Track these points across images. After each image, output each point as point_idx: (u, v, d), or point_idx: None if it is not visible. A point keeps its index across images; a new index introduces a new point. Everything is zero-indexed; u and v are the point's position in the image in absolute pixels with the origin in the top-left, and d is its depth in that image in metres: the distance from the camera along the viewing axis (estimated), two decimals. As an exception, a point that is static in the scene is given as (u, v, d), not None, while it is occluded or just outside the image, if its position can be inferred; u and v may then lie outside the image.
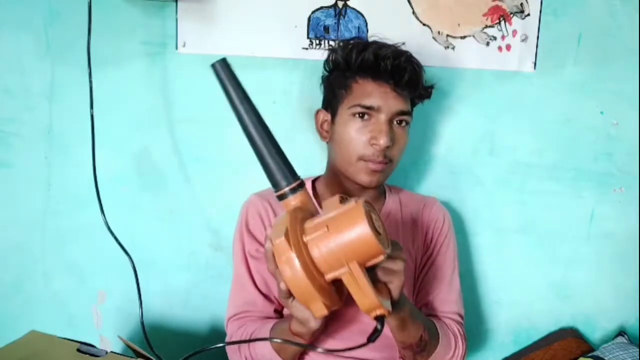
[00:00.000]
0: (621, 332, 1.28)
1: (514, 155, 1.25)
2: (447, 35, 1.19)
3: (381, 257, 0.65)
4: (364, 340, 0.67)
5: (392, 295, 0.73)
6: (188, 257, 1.25)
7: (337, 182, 1.02)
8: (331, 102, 1.01)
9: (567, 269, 1.30)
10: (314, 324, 0.79)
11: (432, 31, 1.19)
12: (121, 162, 1.20)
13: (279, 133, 1.20)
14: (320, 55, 1.15)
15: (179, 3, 1.14)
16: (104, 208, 1.05)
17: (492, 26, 1.19)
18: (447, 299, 1.05)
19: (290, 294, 0.73)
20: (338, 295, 0.69)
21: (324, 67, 1.04)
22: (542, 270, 1.30)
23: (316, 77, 1.08)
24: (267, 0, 1.16)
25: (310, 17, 1.17)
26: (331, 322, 0.96)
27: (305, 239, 0.63)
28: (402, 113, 0.96)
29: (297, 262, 0.61)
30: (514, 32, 1.20)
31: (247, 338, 0.93)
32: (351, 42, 1.00)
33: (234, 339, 0.96)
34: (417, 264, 1.05)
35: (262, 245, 1.01)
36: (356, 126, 0.95)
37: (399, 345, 0.90)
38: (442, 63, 1.20)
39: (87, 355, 0.79)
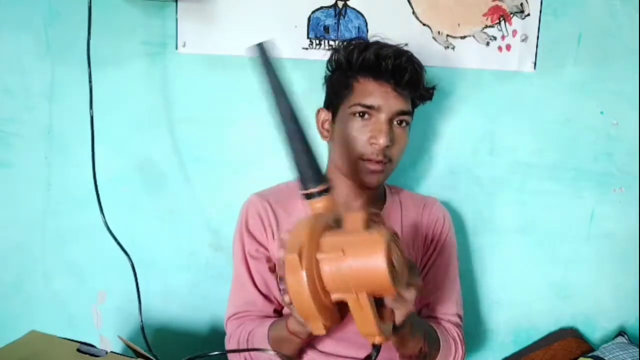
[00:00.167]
0: (621, 332, 1.28)
1: (514, 155, 1.25)
2: (447, 35, 1.19)
3: (391, 296, 0.62)
4: (361, 340, 0.67)
5: (395, 321, 0.70)
6: (188, 257, 1.25)
7: (337, 181, 1.02)
8: (332, 102, 1.01)
9: (567, 269, 1.30)
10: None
11: (432, 31, 1.19)
12: (121, 162, 1.20)
13: (278, 134, 1.22)
14: (320, 55, 1.15)
15: (179, 3, 1.14)
16: (104, 208, 1.05)
17: (492, 26, 1.19)
18: (447, 301, 1.05)
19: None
20: (340, 313, 0.67)
21: (327, 67, 1.04)
22: (542, 270, 1.30)
23: (316, 77, 1.08)
24: (267, 0, 1.16)
25: (310, 17, 1.17)
26: None
27: (319, 256, 0.60)
28: (403, 113, 0.96)
29: (304, 282, 0.59)
30: (514, 32, 1.20)
31: (246, 336, 0.93)
32: (353, 42, 1.01)
33: (232, 338, 0.96)
34: (417, 264, 1.06)
35: (262, 245, 1.01)
36: (356, 125, 0.95)
37: (398, 353, 0.90)
38: (442, 63, 1.20)
39: (87, 355, 0.79)
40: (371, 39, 1.03)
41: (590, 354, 1.19)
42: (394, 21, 1.17)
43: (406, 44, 1.02)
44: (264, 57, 0.63)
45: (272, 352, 0.83)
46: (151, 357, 0.82)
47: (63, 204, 1.21)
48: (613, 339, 1.26)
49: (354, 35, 1.17)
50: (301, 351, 0.96)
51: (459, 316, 1.06)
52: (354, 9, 1.17)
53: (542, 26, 1.20)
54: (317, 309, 0.59)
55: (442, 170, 1.25)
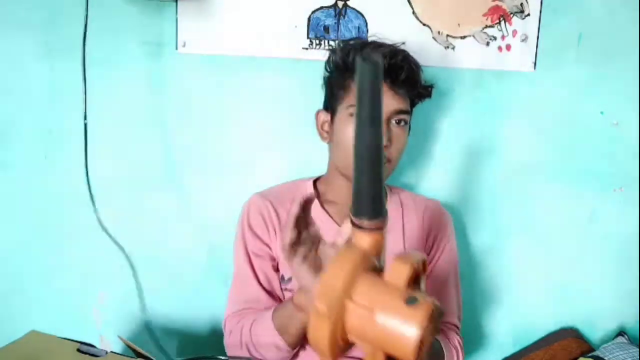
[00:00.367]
0: (621, 332, 1.28)
1: (514, 155, 1.25)
2: (447, 35, 1.19)
3: None
4: None
5: None
6: (188, 257, 1.25)
7: (338, 182, 1.02)
8: (331, 103, 1.01)
9: (567, 269, 1.30)
10: None
11: (432, 31, 1.19)
12: (121, 162, 1.20)
13: (278, 133, 1.22)
14: (320, 55, 1.15)
15: (179, 3, 1.14)
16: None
17: (492, 26, 1.19)
18: (448, 306, 1.05)
19: (294, 252, 0.75)
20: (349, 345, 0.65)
21: (325, 68, 1.04)
22: (542, 270, 1.30)
23: (316, 77, 1.08)
24: (267, 0, 1.16)
25: (310, 17, 1.17)
26: None
27: (350, 305, 0.55)
28: (400, 112, 0.96)
29: (328, 332, 0.56)
30: (514, 32, 1.20)
31: (249, 326, 0.93)
32: (350, 42, 1.01)
33: (233, 334, 0.96)
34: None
35: (264, 244, 1.01)
36: (354, 126, 0.95)
37: None
38: (442, 63, 1.20)
39: (87, 355, 0.79)
40: (370, 39, 1.03)
41: (590, 354, 1.19)
42: (394, 21, 1.17)
43: (403, 43, 1.02)
44: (374, 77, 0.51)
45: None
46: (151, 357, 0.82)
47: (63, 204, 1.21)
48: (613, 339, 1.26)
49: (354, 35, 1.17)
50: (299, 349, 0.96)
51: (459, 319, 1.07)
52: (354, 9, 1.17)
53: (542, 26, 1.20)
54: (331, 351, 0.57)
55: (442, 170, 1.25)
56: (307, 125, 1.08)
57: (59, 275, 1.24)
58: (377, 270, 0.60)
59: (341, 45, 1.02)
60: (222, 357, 0.82)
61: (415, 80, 0.98)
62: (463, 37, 1.20)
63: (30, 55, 1.16)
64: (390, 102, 0.95)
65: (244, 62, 1.18)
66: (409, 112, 0.99)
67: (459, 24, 1.19)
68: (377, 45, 0.98)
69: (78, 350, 0.80)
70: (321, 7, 1.17)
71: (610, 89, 1.23)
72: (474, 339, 1.31)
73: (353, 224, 0.58)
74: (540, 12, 1.19)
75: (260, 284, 1.00)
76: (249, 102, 1.20)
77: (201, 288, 1.26)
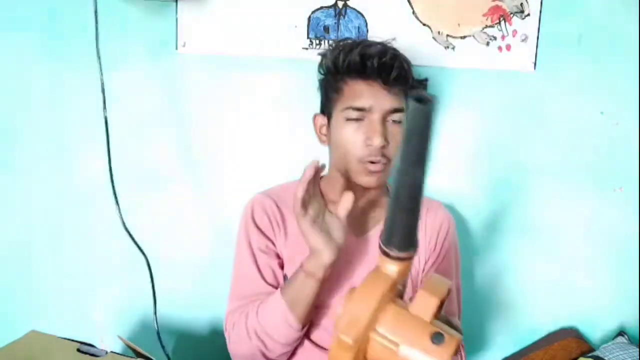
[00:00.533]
0: (621, 332, 1.28)
1: (514, 155, 1.25)
2: (447, 35, 1.19)
3: None
4: None
5: None
6: (191, 256, 1.25)
7: (339, 182, 1.02)
8: (326, 106, 1.02)
9: (567, 269, 1.30)
10: (328, 256, 0.85)
11: (432, 31, 1.19)
12: (121, 162, 1.20)
13: (278, 133, 1.22)
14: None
15: (179, 3, 1.14)
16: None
17: (492, 26, 1.19)
18: (450, 306, 1.05)
19: (305, 211, 0.84)
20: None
21: (319, 71, 1.04)
22: (542, 270, 1.30)
23: (316, 77, 1.08)
24: (267, 0, 1.16)
25: (310, 17, 1.17)
26: (327, 317, 0.97)
27: (374, 337, 0.54)
28: (395, 110, 0.96)
29: (349, 358, 0.53)
30: (514, 32, 1.20)
31: (255, 311, 0.92)
32: (341, 43, 1.01)
33: (237, 326, 0.95)
34: (419, 269, 1.05)
35: (270, 241, 1.02)
36: (350, 128, 0.95)
37: None
38: (442, 63, 1.20)
39: (87, 355, 0.79)
40: (369, 39, 1.03)
41: (590, 354, 1.19)
42: (394, 21, 1.17)
43: (394, 39, 1.03)
44: (425, 119, 0.49)
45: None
46: (151, 357, 0.82)
47: (62, 204, 1.21)
48: (613, 339, 1.26)
49: (354, 35, 1.17)
50: (297, 346, 0.96)
51: (459, 319, 1.07)
52: (354, 9, 1.17)
53: (542, 26, 1.20)
54: None
55: (442, 170, 1.25)
56: (307, 125, 1.08)
57: (59, 275, 1.24)
58: (401, 294, 0.59)
59: (332, 47, 1.02)
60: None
61: (406, 77, 0.98)
62: (463, 37, 1.20)
63: (31, 55, 1.16)
64: (384, 101, 0.95)
65: (244, 62, 1.18)
66: (404, 110, 0.99)
67: (459, 24, 1.19)
68: (366, 45, 0.97)
69: (78, 350, 0.80)
70: (321, 7, 1.17)
71: (610, 89, 1.23)
72: (474, 339, 1.31)
73: (382, 250, 0.56)
74: (540, 12, 1.19)
75: (266, 280, 1.00)
76: (249, 102, 1.20)
77: (202, 288, 1.26)
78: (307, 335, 0.97)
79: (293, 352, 0.96)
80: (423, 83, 1.04)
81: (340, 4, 1.17)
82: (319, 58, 1.04)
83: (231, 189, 1.22)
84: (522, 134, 1.24)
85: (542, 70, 1.22)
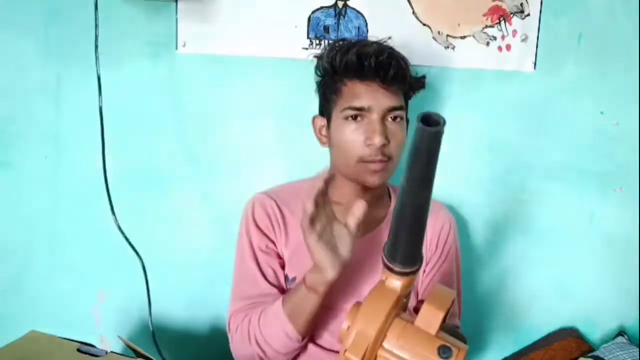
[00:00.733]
0: (621, 332, 1.28)
1: (514, 155, 1.25)
2: (447, 35, 1.19)
3: None
4: None
5: None
6: (190, 256, 1.25)
7: (341, 183, 1.02)
8: (325, 108, 1.02)
9: (567, 269, 1.30)
10: (331, 273, 0.83)
11: (432, 31, 1.19)
12: (120, 162, 1.20)
13: (278, 133, 1.22)
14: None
15: (179, 3, 1.14)
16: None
17: (492, 26, 1.19)
18: (450, 311, 1.04)
19: (312, 227, 0.80)
20: None
21: (316, 73, 1.04)
22: (542, 270, 1.30)
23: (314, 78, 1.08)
24: (267, 0, 1.16)
25: (310, 17, 1.17)
26: (330, 319, 0.97)
27: (381, 354, 0.55)
28: (394, 109, 0.96)
29: None
30: (514, 32, 1.20)
31: (257, 318, 0.92)
32: (337, 45, 1.01)
33: (240, 330, 0.95)
34: (420, 270, 1.05)
35: (271, 241, 1.02)
36: (350, 128, 0.95)
37: None
38: (442, 63, 1.20)
39: (87, 355, 0.79)
40: (369, 39, 1.03)
41: (590, 354, 1.19)
42: (394, 21, 1.17)
43: (389, 38, 1.03)
44: (431, 142, 0.48)
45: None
46: (151, 357, 0.82)
47: (62, 204, 1.21)
48: (613, 339, 1.26)
49: (354, 35, 1.17)
50: (300, 352, 0.96)
51: (460, 319, 1.07)
52: (354, 9, 1.17)
53: (542, 26, 1.20)
54: None
55: (442, 171, 1.24)
56: (307, 125, 1.08)
57: (59, 275, 1.24)
58: (405, 306, 0.59)
59: (328, 48, 1.02)
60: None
61: (404, 75, 0.98)
62: (463, 37, 1.20)
63: (31, 55, 1.16)
64: (382, 100, 0.95)
65: (244, 62, 1.18)
66: (403, 108, 0.99)
67: (459, 24, 1.19)
68: (362, 45, 0.98)
69: (78, 350, 0.80)
70: (321, 7, 1.17)
71: (610, 89, 1.23)
72: (474, 339, 1.31)
73: (386, 266, 0.57)
74: (540, 12, 1.19)
75: (267, 280, 1.00)
76: (249, 102, 1.20)
77: (203, 289, 1.26)
78: (311, 338, 0.97)
79: (297, 355, 0.96)
80: (421, 81, 1.04)
81: (340, 4, 1.17)
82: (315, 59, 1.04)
83: (231, 189, 1.21)
84: (522, 134, 1.24)
85: (542, 70, 1.22)
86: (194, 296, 1.26)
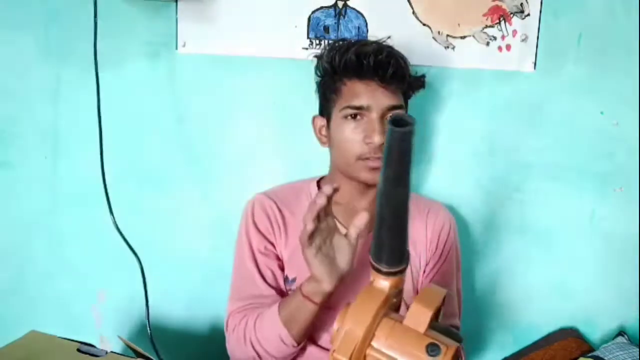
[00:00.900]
0: (621, 332, 1.28)
1: (514, 155, 1.25)
2: (447, 35, 1.19)
3: None
4: None
5: None
6: (189, 256, 1.25)
7: (341, 182, 1.02)
8: (325, 107, 1.02)
9: (567, 269, 1.30)
10: (328, 285, 0.83)
11: (432, 31, 1.19)
12: (120, 162, 1.20)
13: (278, 134, 1.22)
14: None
15: (179, 3, 1.14)
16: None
17: (492, 26, 1.19)
18: (451, 307, 1.04)
19: (311, 242, 0.79)
20: None
21: (315, 73, 1.04)
22: (542, 270, 1.29)
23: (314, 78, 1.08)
24: (267, 1, 1.16)
25: (310, 17, 1.17)
26: (329, 319, 0.96)
27: (369, 353, 0.55)
28: (394, 108, 0.96)
29: None
30: (514, 32, 1.20)
31: (254, 321, 0.92)
32: (336, 44, 1.01)
33: (237, 330, 0.95)
34: (420, 270, 1.05)
35: (270, 242, 1.02)
36: (350, 128, 0.96)
37: None
38: (442, 63, 1.20)
39: (87, 355, 0.79)
40: (369, 39, 1.03)
41: (590, 354, 1.19)
42: (394, 21, 1.17)
43: (389, 37, 1.03)
44: (402, 142, 0.49)
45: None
46: (151, 357, 0.82)
47: (62, 203, 1.21)
48: (613, 339, 1.26)
49: (354, 35, 1.17)
50: (304, 346, 0.96)
51: (460, 319, 1.07)
52: (354, 9, 1.17)
53: (542, 26, 1.20)
54: None
55: (442, 170, 1.25)
56: (307, 125, 1.08)
57: (59, 275, 1.24)
58: (396, 306, 0.60)
59: (327, 48, 1.02)
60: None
61: (403, 74, 0.98)
62: (463, 37, 1.20)
63: (31, 55, 1.16)
64: (382, 99, 0.95)
65: (244, 62, 1.18)
66: (402, 107, 0.99)
67: (459, 24, 1.19)
68: (361, 44, 0.98)
69: (78, 350, 0.80)
70: (321, 7, 1.17)
71: (610, 89, 1.23)
72: (474, 339, 1.31)
73: (373, 266, 0.57)
74: (540, 12, 1.19)
75: (266, 281, 1.00)
76: (249, 102, 1.20)
77: (202, 289, 1.26)
78: (311, 338, 0.97)
79: (297, 355, 0.96)
80: (421, 80, 1.04)
81: (340, 4, 1.17)
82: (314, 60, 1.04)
83: (230, 189, 1.21)
84: (522, 134, 1.24)
85: (542, 70, 1.21)
86: (193, 296, 1.26)
